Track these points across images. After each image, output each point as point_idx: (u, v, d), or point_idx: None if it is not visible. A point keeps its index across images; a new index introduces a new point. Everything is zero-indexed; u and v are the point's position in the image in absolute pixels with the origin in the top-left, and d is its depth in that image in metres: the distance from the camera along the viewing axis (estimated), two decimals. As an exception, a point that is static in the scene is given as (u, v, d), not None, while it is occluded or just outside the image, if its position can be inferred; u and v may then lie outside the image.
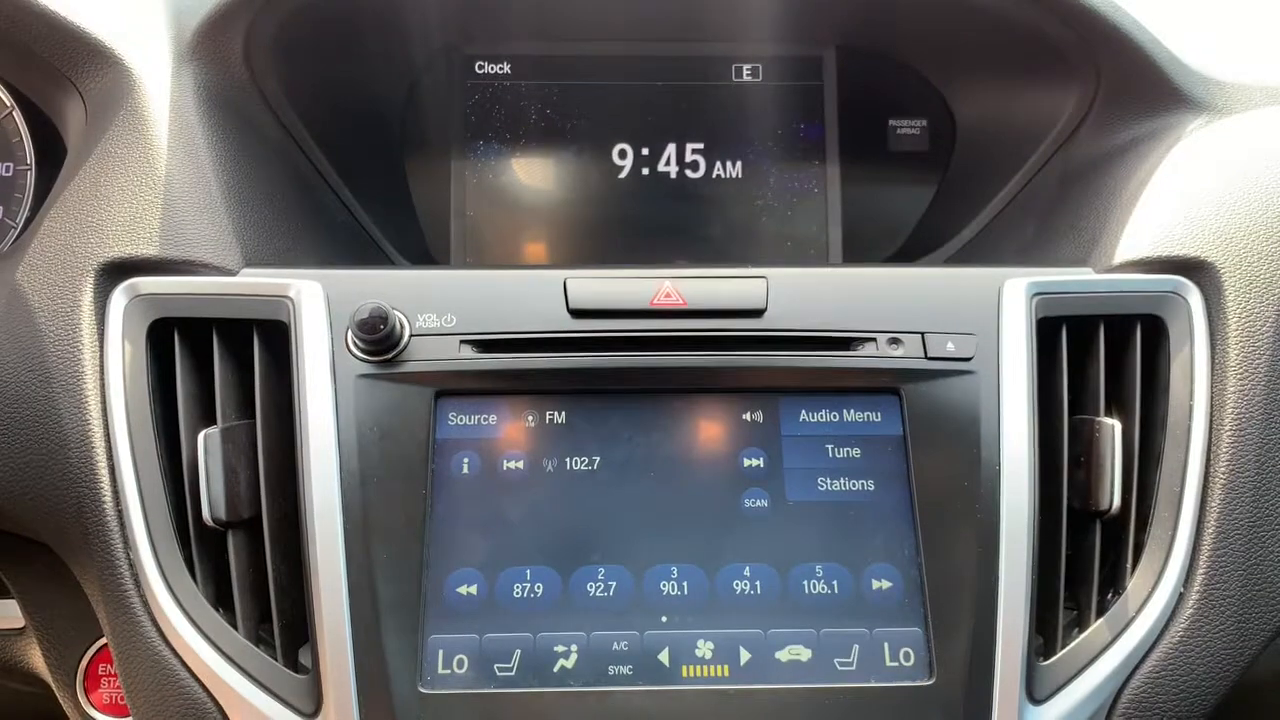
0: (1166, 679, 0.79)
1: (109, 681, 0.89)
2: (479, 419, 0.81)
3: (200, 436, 0.79)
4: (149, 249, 0.84)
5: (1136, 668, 0.79)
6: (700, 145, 1.18)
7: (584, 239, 1.18)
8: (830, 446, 0.82)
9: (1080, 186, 1.02)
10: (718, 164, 1.19)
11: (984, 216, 1.15)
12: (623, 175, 1.18)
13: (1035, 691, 0.77)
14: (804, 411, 0.82)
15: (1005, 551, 0.78)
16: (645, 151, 1.18)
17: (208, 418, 0.81)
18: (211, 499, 0.78)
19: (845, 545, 0.79)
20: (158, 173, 0.87)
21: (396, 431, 0.79)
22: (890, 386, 0.82)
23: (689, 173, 1.19)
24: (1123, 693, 0.79)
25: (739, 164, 1.19)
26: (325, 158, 1.10)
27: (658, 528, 0.79)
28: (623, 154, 1.18)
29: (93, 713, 0.89)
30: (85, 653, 0.89)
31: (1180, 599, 0.80)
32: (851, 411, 0.82)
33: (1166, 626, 0.80)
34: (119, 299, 0.82)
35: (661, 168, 1.18)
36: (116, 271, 0.83)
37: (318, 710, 0.75)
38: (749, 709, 0.75)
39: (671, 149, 1.18)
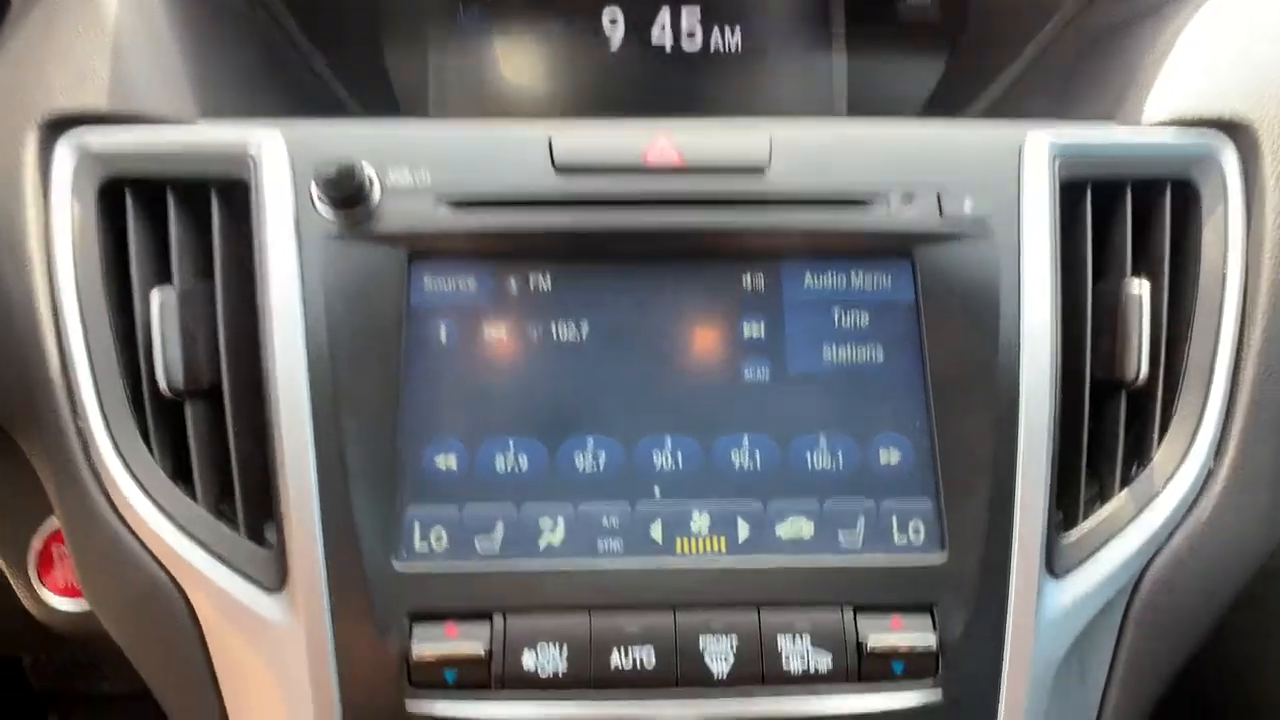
0: (1193, 557, 0.74)
1: (65, 563, 0.84)
2: (456, 283, 0.75)
3: (154, 299, 0.73)
4: (97, 100, 0.77)
5: (1163, 545, 0.74)
6: (698, 11, 1.10)
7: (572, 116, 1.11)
8: (836, 313, 0.76)
9: (1101, 52, 0.95)
10: (716, 33, 1.11)
11: (997, 88, 1.08)
12: (614, 48, 1.11)
13: (1055, 566, 0.73)
14: (808, 276, 0.76)
15: (1024, 422, 0.72)
16: (637, 18, 1.10)
17: (163, 280, 0.75)
18: (167, 365, 0.73)
19: (851, 415, 0.74)
20: (107, 23, 0.80)
21: (367, 296, 0.73)
22: (902, 249, 0.76)
23: (685, 45, 1.11)
24: (1147, 571, 0.74)
25: (738, 33, 1.12)
26: (295, 24, 1.02)
27: (650, 398, 0.74)
28: (613, 21, 1.10)
29: (47, 596, 0.84)
30: (37, 533, 0.83)
31: (1210, 475, 0.76)
32: (860, 276, 0.76)
33: (1195, 502, 0.75)
34: (65, 153, 0.75)
35: (656, 40, 1.10)
36: (62, 125, 0.76)
37: (283, 585, 0.70)
38: (746, 585, 0.70)
39: (666, 15, 1.10)
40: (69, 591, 0.84)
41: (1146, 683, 0.75)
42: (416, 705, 0.68)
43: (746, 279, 0.76)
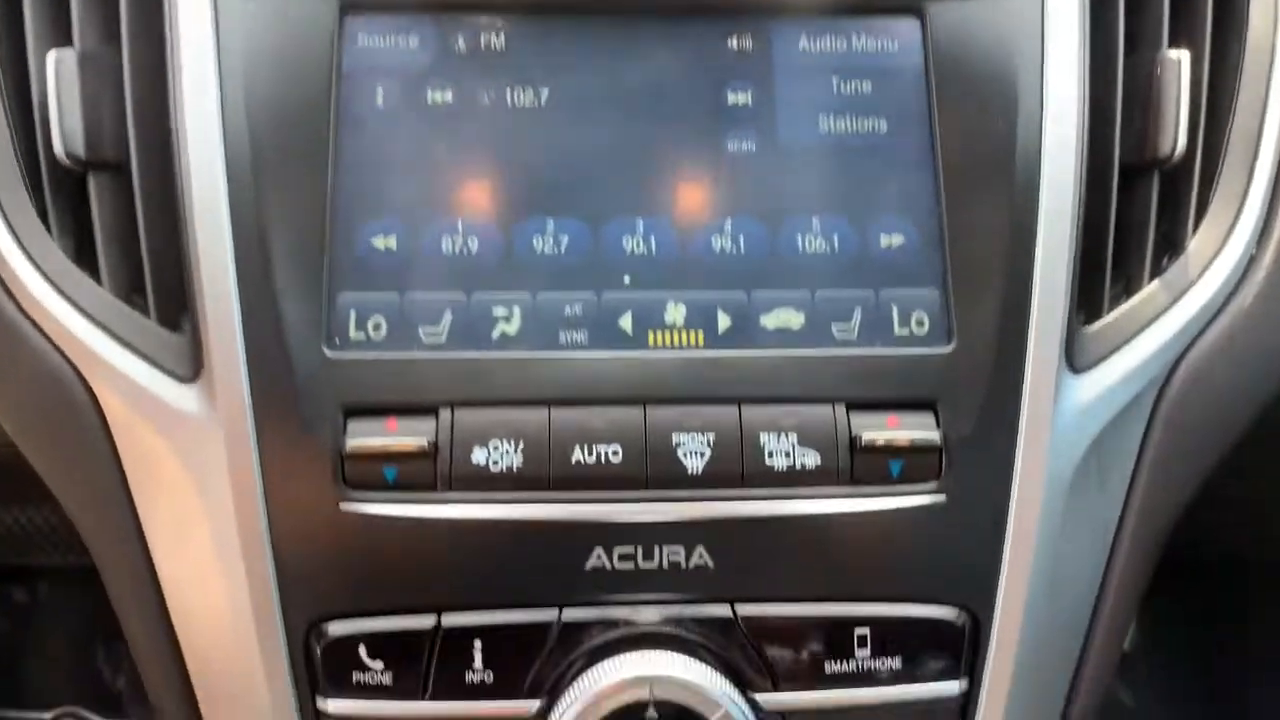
0: (1231, 352, 0.66)
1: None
2: (395, 40, 0.65)
3: (50, 60, 0.64)
4: None
5: (1197, 338, 0.66)
6: None
7: None
8: (835, 79, 0.66)
9: None
10: None
11: None
12: None
13: (1075, 360, 0.64)
14: (804, 38, 0.66)
15: (1045, 205, 0.64)
16: None
17: (63, 42, 0.66)
18: (65, 132, 0.64)
19: (849, 195, 0.65)
20: None
21: (293, 55, 0.63)
22: (911, 6, 0.66)
23: None
24: (1179, 365, 0.66)
25: None
26: None
27: (620, 174, 0.65)
28: None
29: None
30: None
31: (1251, 261, 0.67)
32: (862, 38, 0.67)
33: (1235, 292, 0.67)
34: None
35: None
36: None
37: (197, 374, 0.61)
38: (726, 379, 0.62)
39: None
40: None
41: (1174, 488, 0.67)
42: (352, 507, 0.60)
43: (733, 40, 0.66)
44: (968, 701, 0.64)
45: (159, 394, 0.61)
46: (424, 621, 0.61)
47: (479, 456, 0.60)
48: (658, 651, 0.60)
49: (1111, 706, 1.39)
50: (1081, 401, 0.64)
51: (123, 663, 1.61)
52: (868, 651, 0.63)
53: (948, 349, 0.63)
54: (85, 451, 0.63)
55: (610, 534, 0.61)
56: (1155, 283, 0.67)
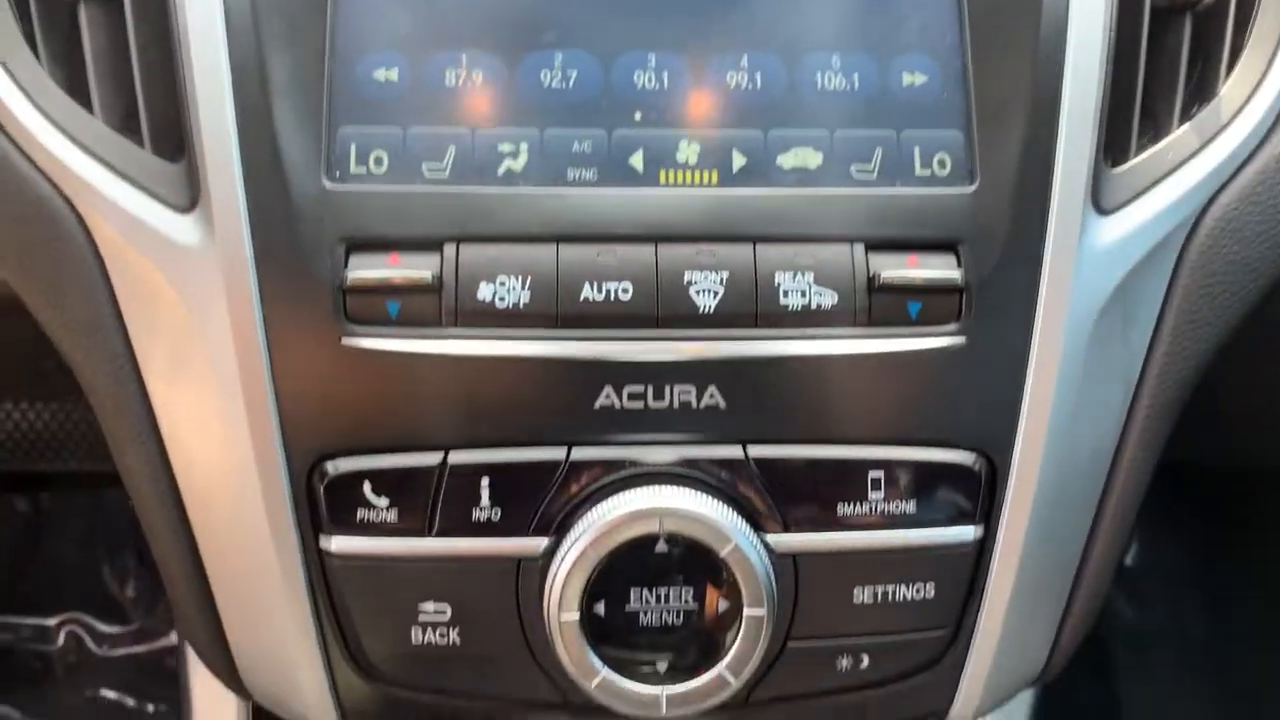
0: (1261, 199, 0.64)
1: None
2: None
3: None
4: None
5: (1228, 181, 0.64)
6: None
7: None
8: None
9: None
10: None
11: None
12: None
13: (1102, 201, 0.62)
14: None
15: (1073, 43, 0.61)
16: None
17: None
18: None
19: (870, 31, 0.62)
20: None
21: None
22: None
23: None
24: (1207, 212, 0.64)
25: None
26: None
27: (632, 7, 0.62)
28: None
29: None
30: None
31: None
32: None
33: (1266, 139, 0.65)
34: None
35: None
36: None
37: (194, 204, 0.60)
38: (740, 217, 0.60)
39: None
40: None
41: (1199, 336, 0.65)
42: (354, 342, 0.58)
43: None
44: (982, 549, 0.63)
45: (154, 224, 0.60)
46: (430, 459, 0.59)
47: (485, 292, 0.58)
48: (668, 486, 0.59)
49: (1112, 618, 1.40)
50: (1106, 244, 0.62)
51: (129, 571, 1.62)
52: (881, 495, 0.61)
53: (970, 189, 0.61)
54: (77, 281, 0.61)
55: (619, 372, 0.59)
56: (1185, 126, 0.65)
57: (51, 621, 1.56)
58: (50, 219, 0.61)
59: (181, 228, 0.60)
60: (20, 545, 1.62)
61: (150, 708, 1.53)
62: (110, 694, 1.53)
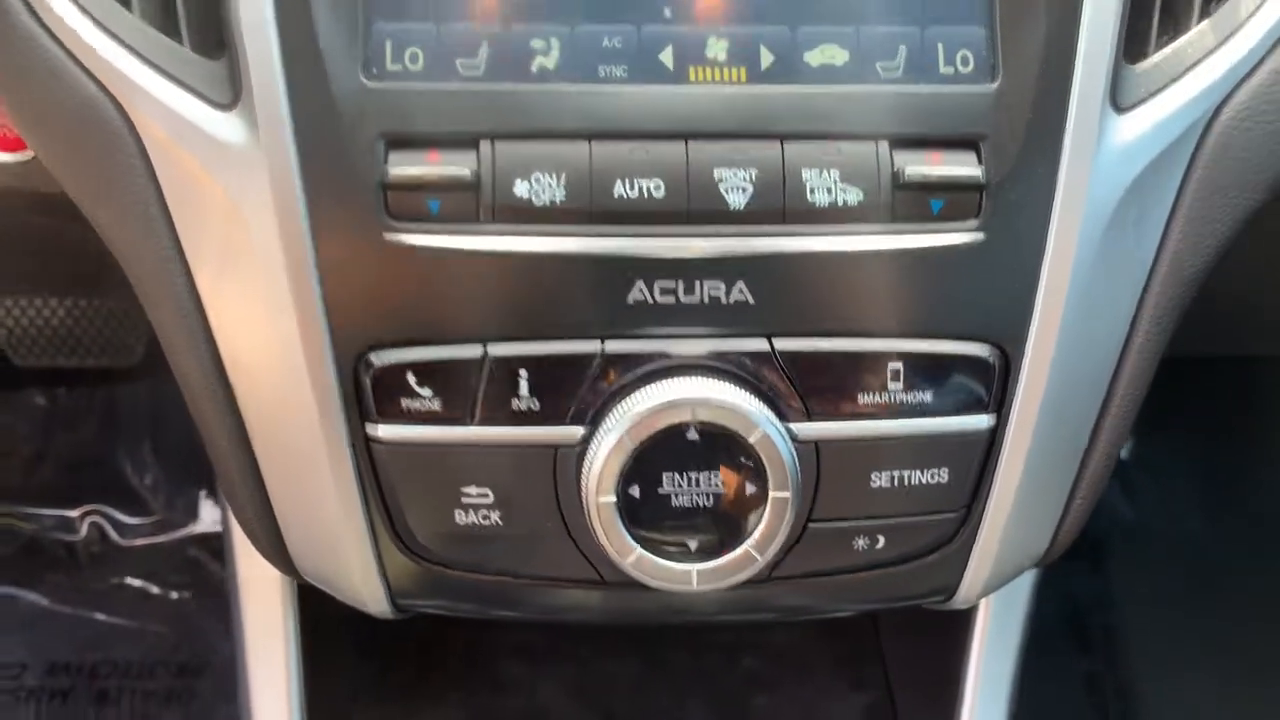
0: (1275, 94, 0.65)
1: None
2: None
3: None
4: None
5: (1245, 79, 0.65)
6: None
7: None
8: None
9: None
10: None
11: None
12: None
13: (1120, 98, 0.64)
14: None
15: None
16: None
17: None
18: None
19: None
20: None
21: None
22: None
23: None
24: (1223, 108, 0.65)
25: None
26: None
27: None
28: None
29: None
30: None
31: None
32: None
33: None
34: None
35: None
36: None
37: (236, 101, 0.61)
38: (769, 114, 0.61)
39: None
40: (6, 144, 0.75)
41: (1209, 233, 0.67)
42: (396, 238, 0.60)
43: None
44: (994, 437, 0.66)
45: (198, 121, 0.61)
46: (471, 351, 0.62)
47: (521, 189, 0.60)
48: (699, 377, 0.62)
49: (1107, 513, 1.44)
50: (1124, 141, 0.64)
51: (147, 464, 1.65)
52: (900, 386, 0.64)
53: (993, 86, 0.62)
54: (126, 180, 0.62)
55: (652, 268, 0.61)
56: (1204, 23, 0.66)
57: (74, 513, 1.60)
58: (98, 120, 0.62)
59: (224, 125, 0.61)
60: (38, 439, 1.65)
61: (174, 595, 1.58)
62: (135, 582, 1.57)
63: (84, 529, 1.61)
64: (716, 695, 0.92)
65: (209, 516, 1.62)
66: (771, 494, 0.62)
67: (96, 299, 1.30)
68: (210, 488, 1.60)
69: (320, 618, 0.79)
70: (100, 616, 1.54)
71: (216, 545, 1.57)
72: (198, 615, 1.55)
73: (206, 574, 1.56)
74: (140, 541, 1.60)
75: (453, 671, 0.88)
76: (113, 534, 1.60)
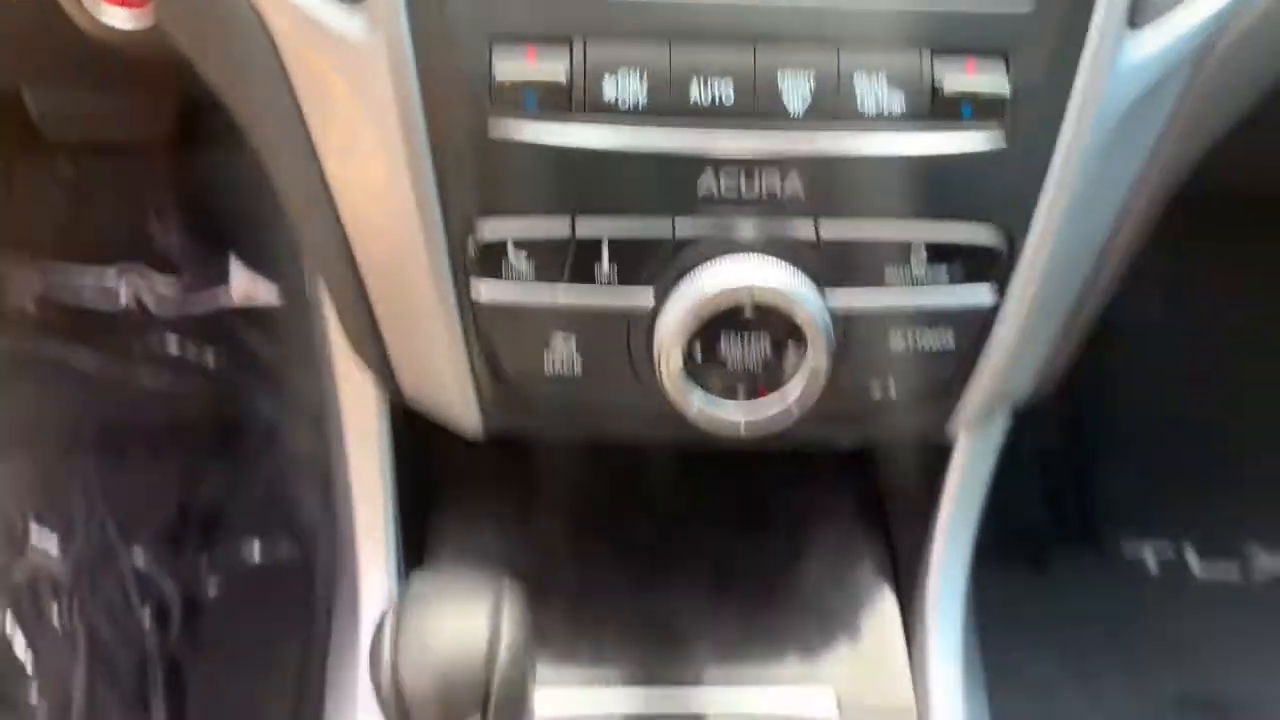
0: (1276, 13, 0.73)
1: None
2: None
3: None
4: None
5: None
6: None
7: None
8: None
9: None
10: None
11: None
12: None
13: (1136, 16, 0.71)
14: None
15: None
16: None
17: None
18: None
19: None
20: None
21: None
22: None
23: None
24: (1231, 21, 0.73)
25: None
26: None
27: None
28: None
29: (104, 10, 0.81)
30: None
31: None
32: None
33: None
34: None
35: None
36: None
37: None
38: (826, 24, 0.68)
39: None
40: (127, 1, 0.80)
41: (1206, 129, 0.76)
42: (499, 127, 0.68)
43: None
44: (997, 306, 0.77)
45: (324, 20, 0.67)
46: (561, 225, 0.71)
47: (609, 88, 0.68)
48: (755, 258, 0.72)
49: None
50: (1137, 57, 0.71)
51: (174, 230, 1.71)
52: (923, 257, 0.74)
53: (1028, 4, 0.69)
54: (259, 71, 0.69)
55: (720, 161, 0.70)
56: None
57: (111, 270, 1.68)
58: (237, 21, 0.69)
59: (348, 22, 0.67)
60: (68, 205, 1.70)
61: (210, 360, 1.69)
62: (174, 349, 1.68)
63: (123, 294, 1.68)
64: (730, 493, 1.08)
65: (240, 285, 1.70)
66: (810, 354, 0.73)
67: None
68: (240, 256, 1.67)
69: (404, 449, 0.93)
70: (143, 380, 1.65)
71: (254, 317, 1.68)
72: (237, 380, 1.66)
73: (240, 343, 1.68)
74: (177, 312, 1.69)
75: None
76: (149, 302, 1.69)
